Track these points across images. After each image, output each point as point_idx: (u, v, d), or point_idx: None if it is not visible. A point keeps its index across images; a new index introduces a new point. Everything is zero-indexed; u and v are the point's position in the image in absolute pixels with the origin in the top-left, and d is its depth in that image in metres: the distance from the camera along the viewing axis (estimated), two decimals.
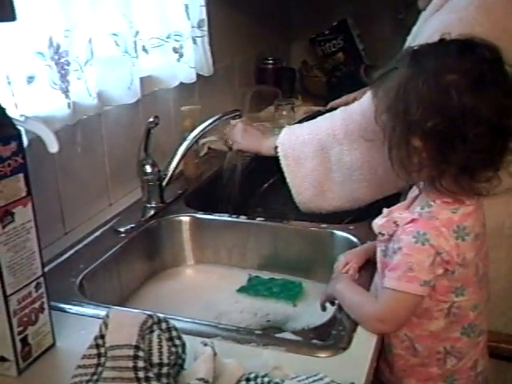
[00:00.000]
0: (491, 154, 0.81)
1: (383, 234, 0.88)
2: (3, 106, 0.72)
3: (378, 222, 0.90)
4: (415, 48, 0.86)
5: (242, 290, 1.17)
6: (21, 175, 0.73)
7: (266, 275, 1.21)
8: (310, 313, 1.08)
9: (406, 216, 0.86)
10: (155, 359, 0.66)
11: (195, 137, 1.32)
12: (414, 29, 1.26)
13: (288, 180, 1.22)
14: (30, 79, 0.98)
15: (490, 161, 0.82)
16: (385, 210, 0.91)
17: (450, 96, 0.78)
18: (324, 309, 0.99)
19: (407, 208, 0.90)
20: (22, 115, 0.87)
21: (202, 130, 1.32)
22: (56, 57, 1.01)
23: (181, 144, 1.31)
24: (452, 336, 0.90)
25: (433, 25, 1.09)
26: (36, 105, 0.99)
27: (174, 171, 1.29)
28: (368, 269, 0.99)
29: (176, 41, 1.44)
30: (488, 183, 0.84)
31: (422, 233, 0.82)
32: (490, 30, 1.00)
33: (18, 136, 0.71)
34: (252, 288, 1.17)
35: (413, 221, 0.84)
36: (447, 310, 0.87)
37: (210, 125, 1.33)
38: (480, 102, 0.77)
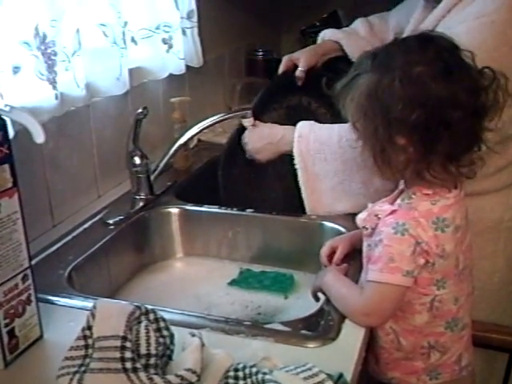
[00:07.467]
0: (473, 134, 0.83)
1: (367, 228, 0.89)
2: None
3: (361, 217, 0.91)
4: (373, 52, 0.86)
5: (233, 283, 1.16)
6: (6, 166, 0.72)
7: (257, 268, 1.21)
8: (301, 305, 1.08)
9: (386, 208, 0.86)
10: (143, 350, 0.66)
11: (198, 132, 1.29)
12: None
13: (304, 193, 1.17)
14: (16, 69, 0.96)
15: (474, 141, 0.84)
16: (369, 205, 0.91)
17: (424, 87, 0.79)
18: (317, 299, 0.98)
19: (391, 202, 0.90)
20: (7, 105, 0.86)
21: (207, 126, 1.28)
22: (42, 47, 0.99)
23: (179, 137, 1.28)
24: (436, 331, 0.90)
25: (462, 32, 1.00)
26: (23, 95, 0.98)
27: (165, 164, 1.28)
28: (357, 259, 0.99)
29: (165, 32, 1.43)
30: (472, 166, 0.86)
31: (400, 223, 0.82)
32: None
33: (2, 126, 0.71)
34: (243, 281, 1.17)
35: (392, 212, 0.85)
36: (429, 304, 0.87)
37: (216, 121, 1.29)
38: (453, 86, 0.79)
